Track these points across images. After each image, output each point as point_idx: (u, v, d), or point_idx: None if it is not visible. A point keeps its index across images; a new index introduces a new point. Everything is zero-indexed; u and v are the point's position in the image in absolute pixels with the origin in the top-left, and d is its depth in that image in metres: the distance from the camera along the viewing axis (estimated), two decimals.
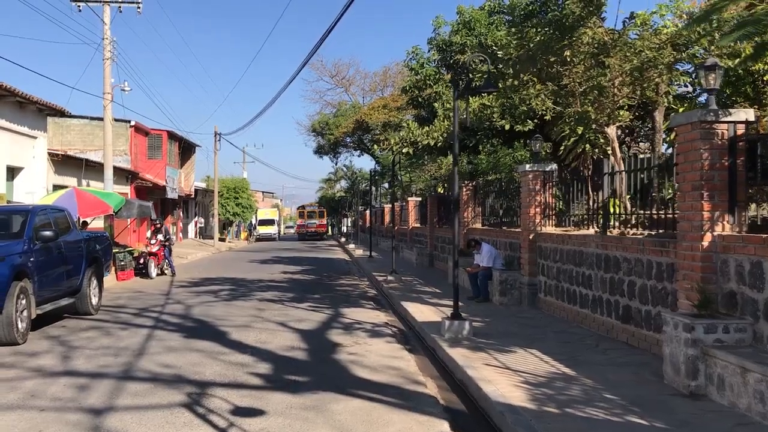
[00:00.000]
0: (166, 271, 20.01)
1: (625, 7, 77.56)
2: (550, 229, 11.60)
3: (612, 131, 10.70)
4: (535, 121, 13.58)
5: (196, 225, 47.25)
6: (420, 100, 18.43)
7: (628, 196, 9.33)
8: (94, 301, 11.80)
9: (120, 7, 22.21)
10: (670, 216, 7.71)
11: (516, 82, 11.45)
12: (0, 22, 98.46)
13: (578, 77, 10.50)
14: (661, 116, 12.39)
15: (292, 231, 69.40)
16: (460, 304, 9.24)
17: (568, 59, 10.46)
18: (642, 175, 9.06)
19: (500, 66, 11.92)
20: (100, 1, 21.78)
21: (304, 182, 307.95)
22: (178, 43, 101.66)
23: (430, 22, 17.70)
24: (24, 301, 9.09)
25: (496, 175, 16.98)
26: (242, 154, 64.56)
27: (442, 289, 14.64)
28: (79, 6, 21.47)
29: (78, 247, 11.42)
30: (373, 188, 39.37)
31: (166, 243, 20.11)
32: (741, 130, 6.39)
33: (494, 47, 13.55)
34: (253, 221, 56.51)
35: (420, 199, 28.52)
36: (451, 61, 16.84)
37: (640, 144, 17.21)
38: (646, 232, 8.44)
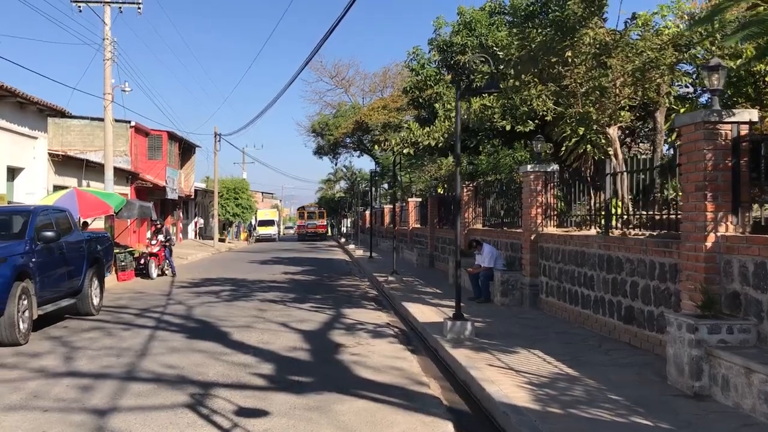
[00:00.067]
0: (166, 272, 20.00)
1: (626, 7, 77.60)
2: (551, 229, 11.60)
3: (613, 132, 10.70)
4: (536, 121, 13.56)
5: (195, 225, 47.23)
6: (421, 100, 18.41)
7: (630, 197, 9.33)
8: (96, 301, 11.79)
9: (120, 7, 22.21)
10: (673, 216, 7.72)
11: (517, 83, 11.44)
12: (0, 22, 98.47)
13: (580, 78, 10.49)
14: (662, 117, 12.39)
15: (291, 232, 69.43)
16: (461, 304, 9.24)
17: (570, 60, 10.46)
18: (643, 176, 9.06)
19: (501, 66, 11.91)
20: (101, 2, 21.78)
21: (303, 183, 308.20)
22: (178, 43, 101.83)
23: (431, 23, 17.70)
24: (26, 302, 9.08)
25: (496, 176, 16.99)
26: (242, 154, 64.65)
27: (442, 290, 14.64)
28: (79, 6, 21.46)
29: (79, 248, 11.41)
30: (373, 189, 39.37)
31: (167, 243, 20.11)
32: (744, 130, 6.39)
33: (495, 48, 13.55)
34: (253, 222, 56.50)
35: (420, 199, 28.54)
36: (452, 62, 16.82)
37: (641, 145, 17.23)
38: (647, 233, 8.44)
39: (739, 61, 9.95)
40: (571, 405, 5.65)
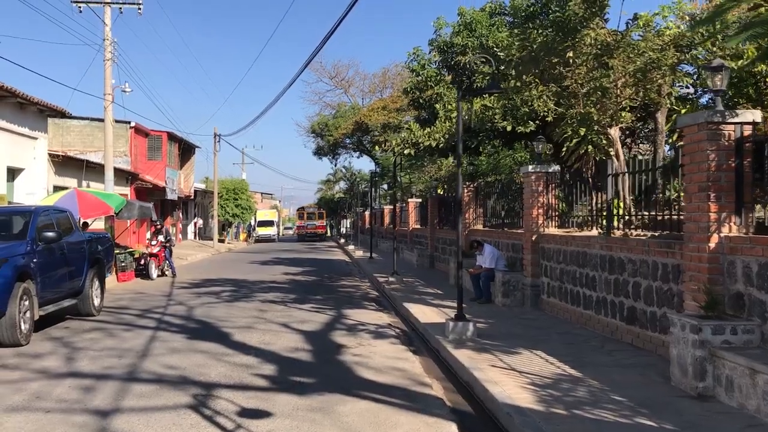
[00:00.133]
0: (166, 272, 19.98)
1: (627, 8, 77.71)
2: (552, 230, 11.60)
3: (615, 132, 10.71)
4: (537, 122, 13.56)
5: (195, 226, 47.22)
6: (421, 101, 18.40)
7: (632, 198, 9.33)
8: (96, 302, 11.78)
9: (121, 8, 22.20)
10: (675, 217, 7.71)
11: (518, 84, 11.45)
12: (1, 23, 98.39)
13: (581, 78, 10.50)
14: (663, 117, 12.39)
15: (290, 232, 69.44)
16: (463, 305, 9.23)
17: (571, 60, 10.46)
18: (645, 177, 9.05)
19: (502, 67, 11.91)
20: (101, 2, 21.76)
21: (303, 183, 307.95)
22: (178, 44, 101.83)
23: (431, 24, 17.68)
24: (27, 303, 9.06)
25: (496, 177, 16.98)
26: (241, 155, 64.64)
27: (443, 291, 14.63)
28: (79, 7, 21.45)
29: (80, 249, 11.40)
30: (373, 189, 39.39)
31: (167, 244, 20.10)
32: (748, 131, 6.39)
33: (495, 49, 13.55)
34: (252, 222, 56.49)
35: (420, 200, 28.54)
36: (453, 63, 16.82)
37: (640, 145, 17.23)
38: (649, 233, 8.44)
39: (740, 62, 9.95)
40: (574, 406, 5.64)
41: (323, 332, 10.06)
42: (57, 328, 10.41)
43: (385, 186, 43.23)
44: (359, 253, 29.87)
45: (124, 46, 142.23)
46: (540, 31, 10.83)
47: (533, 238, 11.84)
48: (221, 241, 43.61)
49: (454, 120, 14.49)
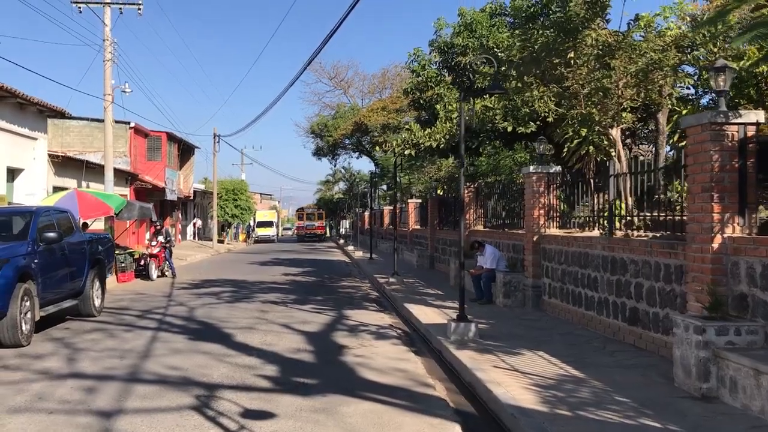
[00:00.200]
0: (166, 273, 19.96)
1: (629, 9, 77.72)
2: (554, 231, 11.59)
3: (616, 133, 10.71)
4: (538, 123, 13.57)
5: (194, 227, 47.18)
6: (422, 102, 18.39)
7: (633, 198, 9.33)
8: (97, 302, 11.76)
9: (121, 8, 22.15)
10: (678, 218, 7.71)
11: (519, 84, 11.44)
12: (1, 23, 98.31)
13: (582, 79, 10.49)
14: (664, 118, 12.40)
15: (289, 233, 69.44)
16: (464, 306, 9.22)
17: (572, 61, 10.46)
18: (645, 177, 9.05)
19: (503, 68, 11.91)
20: (101, 3, 21.73)
21: (302, 184, 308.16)
22: (178, 44, 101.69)
23: (432, 24, 17.69)
24: (28, 303, 9.04)
25: (496, 177, 16.98)
26: (241, 155, 64.63)
27: (444, 291, 14.62)
28: (79, 7, 21.40)
29: (81, 249, 11.38)
30: (372, 190, 39.38)
31: (167, 245, 20.07)
32: (751, 131, 6.39)
33: (496, 49, 13.55)
34: (252, 223, 56.47)
35: (420, 201, 28.53)
36: (453, 63, 16.82)
37: (641, 146, 17.24)
38: (650, 234, 8.43)
39: (742, 63, 9.96)
40: (578, 407, 5.63)
41: (325, 333, 10.05)
42: (58, 328, 10.39)
43: (385, 186, 43.22)
44: (359, 254, 29.86)
45: (124, 47, 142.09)
46: (541, 31, 10.83)
47: (534, 239, 11.83)
48: (220, 241, 43.60)
49: (454, 121, 14.51)
